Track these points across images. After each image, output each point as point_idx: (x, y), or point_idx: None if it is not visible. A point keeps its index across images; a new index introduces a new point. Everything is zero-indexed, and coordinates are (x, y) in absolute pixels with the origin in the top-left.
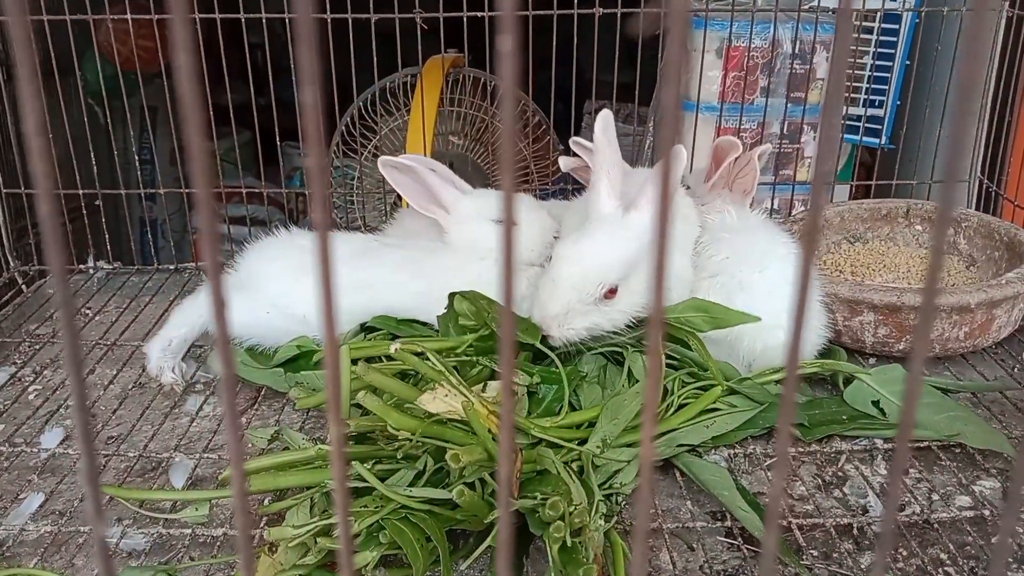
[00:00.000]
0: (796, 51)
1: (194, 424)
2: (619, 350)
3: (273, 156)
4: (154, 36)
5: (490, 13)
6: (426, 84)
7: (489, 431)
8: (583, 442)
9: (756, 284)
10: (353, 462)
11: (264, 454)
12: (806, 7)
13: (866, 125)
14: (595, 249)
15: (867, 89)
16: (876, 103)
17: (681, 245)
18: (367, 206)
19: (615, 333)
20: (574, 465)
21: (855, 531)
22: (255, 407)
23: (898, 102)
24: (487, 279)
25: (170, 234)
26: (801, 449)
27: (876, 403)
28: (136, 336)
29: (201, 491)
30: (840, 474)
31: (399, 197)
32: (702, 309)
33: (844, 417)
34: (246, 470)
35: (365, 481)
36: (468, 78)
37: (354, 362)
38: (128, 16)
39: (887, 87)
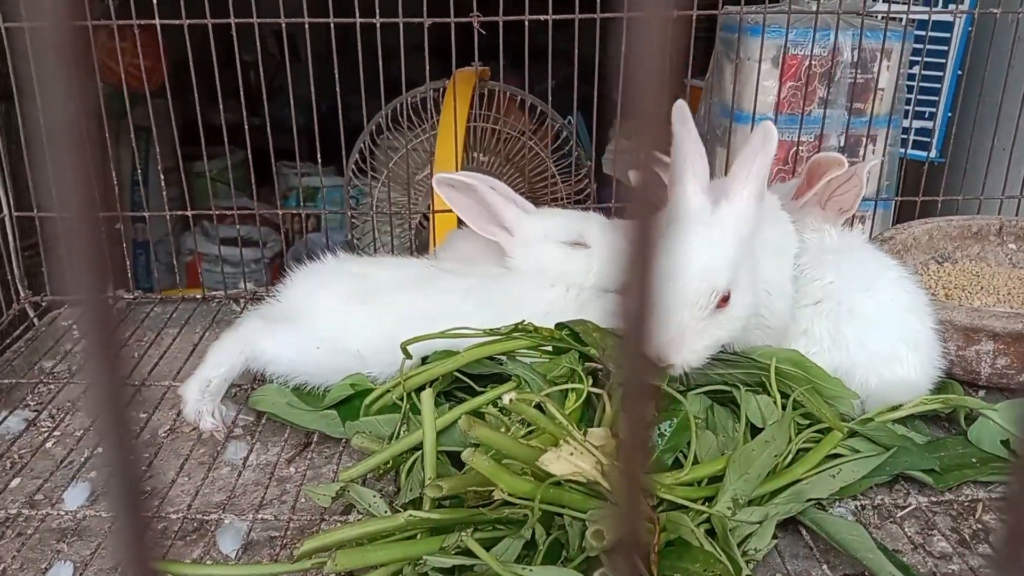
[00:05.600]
0: (857, 59)
1: (240, 476)
2: (726, 389)
3: (266, 176)
4: (154, 55)
5: (555, 17)
6: (457, 97)
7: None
8: (706, 500)
9: (867, 311)
10: (461, 534)
11: (336, 521)
12: (868, 12)
13: (915, 138)
14: (697, 255)
15: (916, 100)
16: (925, 115)
17: (776, 250)
18: (381, 228)
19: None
20: (701, 529)
21: None
22: (304, 454)
23: (949, 114)
24: (561, 307)
25: (163, 256)
26: (933, 498)
27: (1005, 443)
28: (165, 375)
29: (274, 564)
30: (980, 526)
31: (425, 217)
32: (800, 366)
33: (974, 460)
34: (324, 543)
35: (470, 555)
36: (499, 93)
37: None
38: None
39: (936, 98)
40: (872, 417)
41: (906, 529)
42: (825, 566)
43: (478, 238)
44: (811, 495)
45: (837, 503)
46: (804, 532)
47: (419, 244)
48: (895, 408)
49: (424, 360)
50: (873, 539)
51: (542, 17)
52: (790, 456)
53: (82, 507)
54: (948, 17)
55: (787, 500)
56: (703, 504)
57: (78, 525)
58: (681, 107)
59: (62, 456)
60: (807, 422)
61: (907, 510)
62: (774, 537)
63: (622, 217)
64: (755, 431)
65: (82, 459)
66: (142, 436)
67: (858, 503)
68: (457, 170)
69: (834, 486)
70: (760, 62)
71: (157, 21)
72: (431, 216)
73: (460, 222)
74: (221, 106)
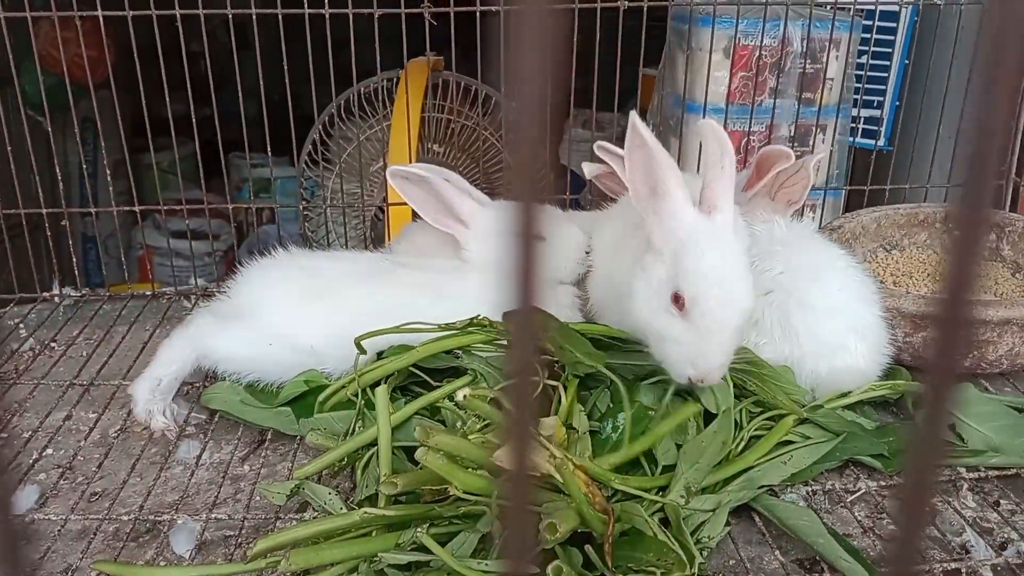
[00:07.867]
0: (806, 49)
1: (193, 476)
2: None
3: (215, 168)
4: (99, 45)
5: (509, 7)
6: (409, 88)
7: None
8: (660, 490)
9: (816, 301)
10: (416, 531)
11: (291, 519)
12: (817, 2)
13: (864, 127)
14: (737, 280)
15: (864, 89)
16: (874, 104)
17: None
18: (336, 221)
19: None
20: (655, 519)
21: None
22: (259, 452)
23: (897, 103)
24: None
25: (113, 250)
26: (883, 483)
27: (952, 427)
28: (115, 373)
29: (228, 565)
30: (927, 509)
31: (380, 211)
32: (747, 361)
33: None
34: (278, 542)
35: (425, 551)
36: (452, 83)
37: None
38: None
39: (884, 87)
40: (822, 404)
41: (856, 513)
42: (778, 551)
43: (433, 231)
44: (763, 482)
45: (789, 489)
46: (757, 518)
47: (375, 237)
48: (844, 395)
49: (380, 355)
50: (824, 524)
51: (493, 8)
52: (742, 444)
53: (31, 510)
54: (895, 7)
55: (740, 487)
56: (657, 494)
57: (26, 529)
58: (634, 117)
59: (8, 458)
60: (758, 410)
61: (857, 495)
62: (727, 524)
63: None
64: (710, 419)
65: (30, 461)
66: (91, 436)
67: (809, 488)
68: (412, 162)
69: (785, 472)
70: (711, 52)
71: (99, 13)
72: (386, 208)
73: (415, 215)
74: (169, 97)
